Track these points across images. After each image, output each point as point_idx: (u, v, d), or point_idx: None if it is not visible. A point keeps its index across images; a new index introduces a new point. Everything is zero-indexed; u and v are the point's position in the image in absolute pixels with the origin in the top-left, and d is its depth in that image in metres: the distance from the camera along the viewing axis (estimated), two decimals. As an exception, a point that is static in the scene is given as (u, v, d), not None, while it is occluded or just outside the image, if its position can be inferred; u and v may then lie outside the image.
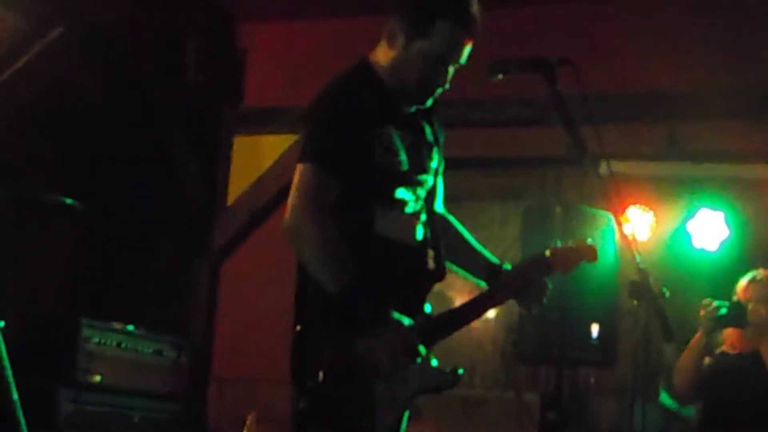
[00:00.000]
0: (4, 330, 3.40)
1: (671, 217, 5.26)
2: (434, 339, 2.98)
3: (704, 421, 4.43)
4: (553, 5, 5.46)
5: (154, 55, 5.74)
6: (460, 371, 2.96)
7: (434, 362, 2.93)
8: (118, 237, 5.36)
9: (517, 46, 3.33)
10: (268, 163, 5.78)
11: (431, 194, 3.15)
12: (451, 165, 4.31)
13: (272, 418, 4.86)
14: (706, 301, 4.20)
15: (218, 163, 6.18)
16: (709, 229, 5.13)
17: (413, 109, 3.08)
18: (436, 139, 3.17)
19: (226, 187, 6.17)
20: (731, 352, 4.27)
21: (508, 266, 3.19)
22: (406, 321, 2.89)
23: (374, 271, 2.89)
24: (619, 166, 3.91)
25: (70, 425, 4.37)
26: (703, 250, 5.09)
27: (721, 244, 5.09)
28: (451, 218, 3.30)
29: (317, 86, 3.11)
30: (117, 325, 4.72)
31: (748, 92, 5.08)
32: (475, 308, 3.14)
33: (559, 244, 3.20)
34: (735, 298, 4.23)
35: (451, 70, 3.00)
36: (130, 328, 4.78)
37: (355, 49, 3.18)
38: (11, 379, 3.42)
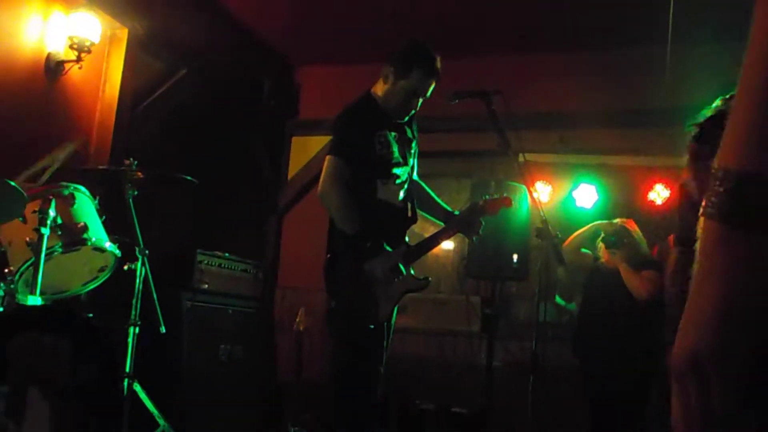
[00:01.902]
0: (148, 256, 3.44)
1: (563, 188, 5.33)
2: (413, 259, 3.14)
3: (582, 310, 4.41)
4: (491, 57, 5.49)
5: (244, 88, 5.76)
6: (429, 279, 3.17)
7: (412, 272, 3.06)
8: (221, 201, 5.35)
9: (467, 81, 3.37)
10: (312, 154, 5.78)
11: (412, 170, 3.26)
12: (425, 155, 4.43)
13: (314, 312, 4.88)
14: (601, 223, 4.30)
15: (282, 154, 6.20)
16: (586, 195, 5.21)
17: (398, 120, 3.19)
18: (414, 137, 3.32)
19: (287, 169, 6.19)
20: (605, 263, 4.22)
21: (457, 212, 3.31)
22: (393, 250, 3.01)
23: (376, 220, 3.04)
24: (529, 157, 3.97)
25: (188, 316, 4.33)
26: (582, 208, 5.17)
27: (594, 204, 5.18)
28: (423, 184, 3.40)
29: (339, 108, 3.22)
30: (218, 253, 4.68)
31: (614, 109, 5.12)
32: (436, 238, 3.30)
33: (487, 197, 3.29)
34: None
35: (421, 99, 3.16)
36: (227, 255, 4.74)
37: (369, 85, 3.28)
38: (153, 287, 3.48)
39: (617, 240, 4.12)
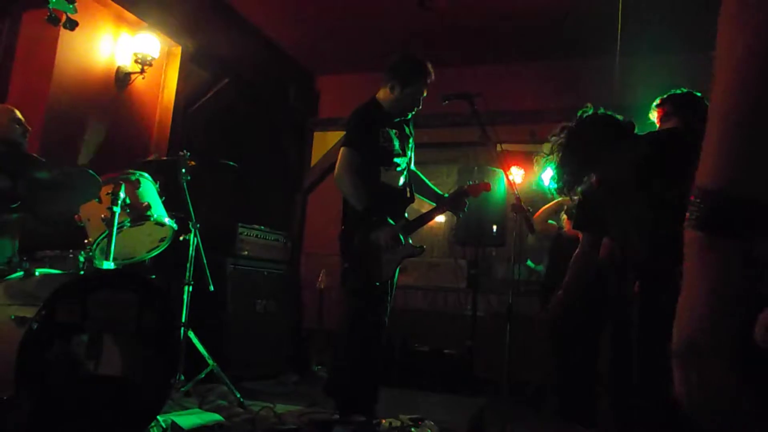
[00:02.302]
0: (199, 229, 3.45)
1: (533, 172, 5.28)
2: (411, 230, 3.14)
3: (548, 269, 4.33)
4: (474, 66, 5.43)
5: (273, 92, 5.71)
6: (424, 247, 3.16)
7: (410, 241, 3.05)
8: (256, 183, 5.35)
9: (454, 86, 3.35)
10: (330, 145, 5.74)
11: (410, 161, 3.23)
12: (420, 146, 4.38)
13: (332, 273, 4.81)
14: (564, 198, 4.23)
15: (306, 146, 6.15)
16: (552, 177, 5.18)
17: (398, 119, 3.17)
18: (411, 134, 3.29)
19: (310, 157, 6.15)
20: (567, 232, 4.18)
21: (446, 195, 3.31)
22: (395, 223, 2.98)
23: (380, 199, 3.02)
24: (505, 147, 3.96)
25: (232, 277, 4.31)
26: (548, 187, 5.13)
27: (558, 185, 5.14)
28: (419, 172, 3.36)
29: (351, 109, 3.20)
30: (255, 226, 4.66)
31: (573, 106, 5.06)
32: (429, 214, 3.30)
33: (470, 183, 3.28)
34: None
35: (421, 100, 3.15)
36: (262, 227, 4.72)
37: (374, 89, 3.25)
38: (203, 254, 3.47)
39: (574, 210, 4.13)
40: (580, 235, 4.02)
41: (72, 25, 1.75)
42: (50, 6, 1.73)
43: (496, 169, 4.77)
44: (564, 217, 4.24)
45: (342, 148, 3.06)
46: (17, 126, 2.90)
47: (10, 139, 2.87)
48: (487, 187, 3.33)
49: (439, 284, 5.58)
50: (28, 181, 2.40)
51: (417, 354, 4.82)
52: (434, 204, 3.30)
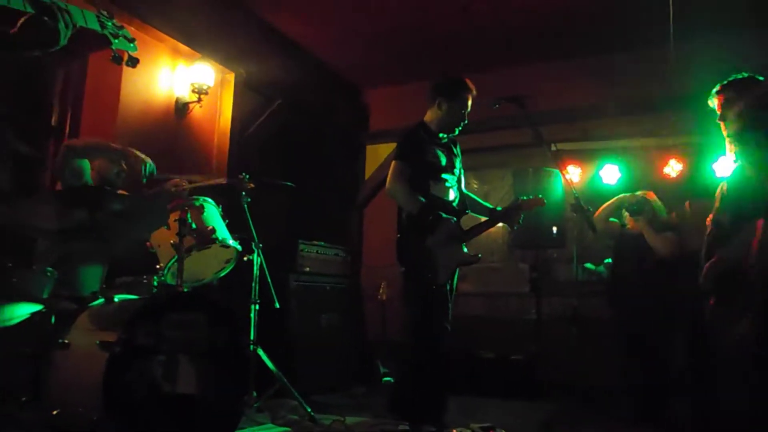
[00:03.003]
0: (261, 249, 3.54)
1: (590, 169, 5.18)
2: (465, 239, 3.13)
3: (614, 268, 4.27)
4: (523, 67, 5.37)
5: (324, 110, 5.79)
6: (480, 255, 3.23)
7: (465, 249, 3.06)
8: (313, 200, 5.42)
9: (505, 89, 3.35)
10: (382, 158, 5.76)
11: (459, 180, 3.30)
12: (473, 151, 4.38)
13: (393, 284, 4.80)
14: (624, 195, 4.15)
15: (358, 160, 6.21)
16: (611, 174, 5.05)
17: (445, 139, 3.25)
18: (458, 155, 3.34)
19: (363, 171, 6.19)
20: (630, 229, 4.11)
21: (499, 208, 3.37)
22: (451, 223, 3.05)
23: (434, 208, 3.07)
24: (560, 146, 3.91)
25: (295, 293, 4.37)
26: (608, 184, 5.01)
27: (617, 180, 5.02)
28: (470, 193, 3.41)
29: (403, 119, 3.24)
30: (315, 242, 4.72)
31: (628, 100, 4.96)
32: (483, 226, 3.31)
33: (524, 198, 3.32)
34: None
35: (466, 115, 3.25)
36: (321, 243, 4.77)
37: (421, 99, 3.29)
38: (267, 272, 3.56)
39: (639, 208, 4.04)
40: (647, 232, 3.94)
41: (133, 62, 1.86)
42: (113, 47, 1.84)
43: (552, 170, 4.71)
44: (626, 214, 4.15)
45: (393, 162, 3.15)
46: (115, 166, 3.08)
47: (106, 178, 3.06)
48: (540, 202, 3.31)
49: (500, 289, 5.52)
50: (104, 213, 2.54)
51: (481, 361, 4.78)
52: (484, 218, 3.33)
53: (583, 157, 5.24)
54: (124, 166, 3.12)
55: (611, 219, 4.26)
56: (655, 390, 3.76)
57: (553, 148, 3.41)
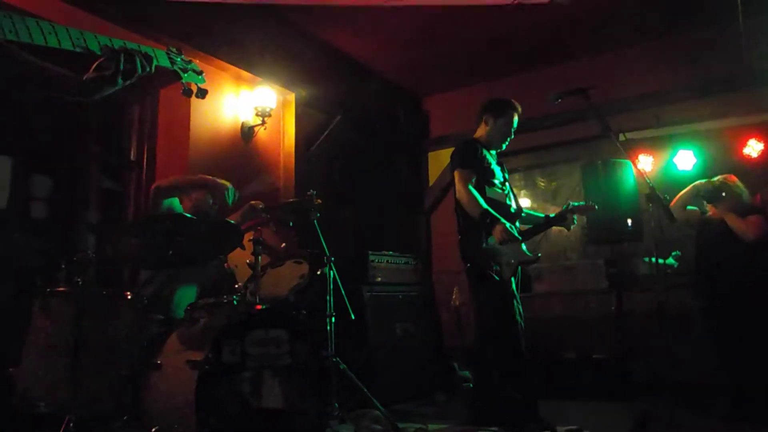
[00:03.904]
0: (333, 262, 3.60)
1: (663, 157, 4.98)
2: (525, 239, 3.30)
3: (698, 257, 4.04)
4: (585, 59, 5.24)
5: (384, 120, 5.86)
6: (539, 255, 3.39)
7: (524, 248, 3.21)
8: (379, 209, 5.45)
9: (568, 82, 3.31)
10: (445, 163, 5.67)
11: (511, 189, 3.52)
12: (541, 148, 4.27)
13: (465, 289, 4.82)
14: (699, 182, 3.99)
15: (422, 167, 6.23)
16: (686, 160, 4.84)
17: (494, 152, 3.47)
18: (506, 172, 3.57)
19: (427, 178, 6.19)
20: (712, 216, 3.96)
21: (552, 215, 3.55)
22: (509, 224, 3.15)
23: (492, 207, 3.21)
24: (629, 135, 3.81)
25: (369, 304, 4.40)
26: (684, 171, 4.80)
27: (694, 166, 4.80)
28: (525, 209, 3.62)
29: (463, 123, 3.31)
30: (384, 252, 4.74)
31: (699, 81, 4.75)
32: (540, 227, 3.58)
33: (574, 204, 3.52)
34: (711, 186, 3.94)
35: (512, 132, 3.47)
36: (391, 252, 4.79)
37: (478, 101, 3.32)
38: (341, 285, 3.61)
39: (717, 194, 3.87)
40: (730, 218, 3.74)
41: (203, 93, 1.95)
42: (183, 81, 1.94)
43: (623, 161, 4.56)
44: (705, 201, 3.96)
45: (456, 171, 3.30)
46: (209, 197, 3.26)
47: (201, 209, 3.23)
48: (591, 209, 3.54)
49: (578, 288, 5.37)
50: (183, 238, 2.68)
51: (563, 362, 4.66)
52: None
53: (654, 144, 5.04)
54: (214, 196, 3.29)
55: (689, 207, 4.08)
56: (754, 384, 3.54)
57: (622, 137, 3.33)
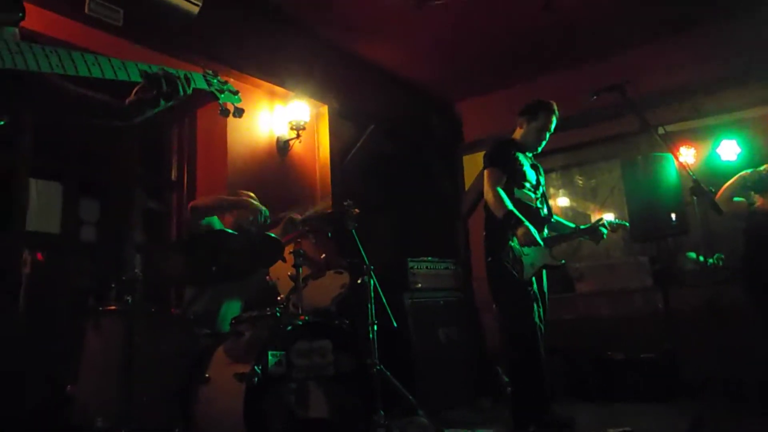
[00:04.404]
0: (373, 270, 3.63)
1: (705, 148, 4.85)
2: (552, 244, 3.37)
3: (747, 250, 3.93)
4: (618, 54, 5.15)
5: (418, 126, 5.87)
6: (564, 261, 3.48)
7: (550, 252, 3.33)
8: (416, 215, 5.45)
9: (606, 79, 3.29)
10: (480, 167, 5.65)
11: (543, 196, 3.50)
12: (579, 146, 4.20)
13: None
14: (745, 172, 3.87)
15: (457, 171, 6.20)
16: (729, 150, 4.71)
17: (530, 154, 3.52)
18: (542, 174, 3.60)
19: (463, 182, 6.16)
20: (761, 207, 3.84)
21: (582, 227, 3.56)
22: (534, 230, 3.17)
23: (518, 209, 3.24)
24: (669, 128, 3.74)
25: (411, 311, 4.39)
26: (728, 161, 4.67)
27: (738, 156, 4.66)
28: (556, 216, 3.65)
29: (496, 126, 3.32)
30: (424, 258, 4.72)
31: (738, 68, 4.61)
32: (569, 236, 3.59)
33: (608, 222, 3.54)
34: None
35: (548, 133, 3.49)
36: (430, 258, 4.77)
37: (512, 104, 3.31)
38: (381, 293, 3.62)
39: (765, 183, 3.77)
40: None
41: (240, 113, 2.00)
42: (220, 101, 1.99)
43: (663, 155, 4.45)
44: (752, 192, 3.84)
45: (485, 170, 3.36)
46: (251, 216, 3.31)
47: (241, 225, 3.30)
48: (624, 227, 3.66)
49: (622, 286, 5.25)
50: (226, 254, 2.74)
51: (611, 363, 4.57)
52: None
53: (696, 136, 4.91)
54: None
55: (736, 198, 3.95)
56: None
57: (661, 131, 3.26)
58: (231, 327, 2.85)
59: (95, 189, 3.96)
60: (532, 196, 3.38)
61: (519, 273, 3.16)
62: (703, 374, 4.12)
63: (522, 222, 3.12)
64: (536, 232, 3.16)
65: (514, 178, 3.33)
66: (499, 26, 4.72)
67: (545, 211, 3.44)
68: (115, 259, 3.78)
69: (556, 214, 3.71)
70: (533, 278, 3.24)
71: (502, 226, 3.21)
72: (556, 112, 3.48)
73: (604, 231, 3.44)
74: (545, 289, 3.36)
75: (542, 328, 3.16)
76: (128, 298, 2.52)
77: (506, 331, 3.32)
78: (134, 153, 4.09)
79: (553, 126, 3.48)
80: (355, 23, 4.58)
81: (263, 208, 3.22)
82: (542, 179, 3.55)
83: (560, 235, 3.49)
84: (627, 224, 3.62)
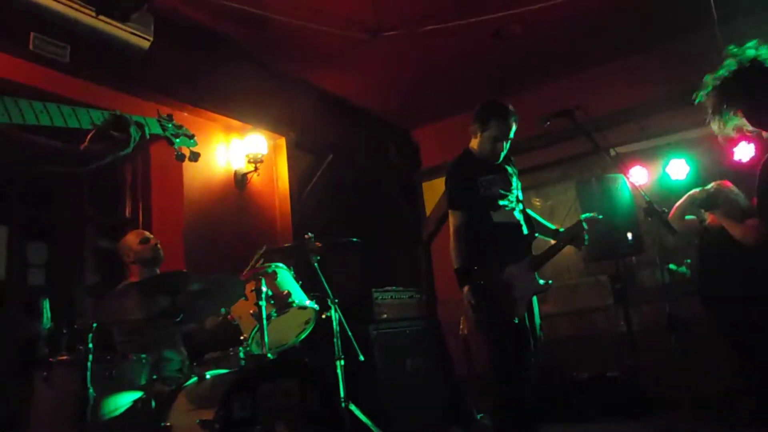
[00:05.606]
0: (337, 304, 3.60)
1: (655, 168, 5.02)
2: (538, 266, 3.12)
3: (701, 265, 4.03)
4: (566, 78, 5.33)
5: (376, 155, 5.91)
6: (551, 282, 3.14)
7: (537, 277, 3.10)
8: (378, 246, 5.42)
9: (556, 103, 3.34)
10: (440, 192, 5.72)
11: (517, 199, 3.23)
12: (534, 169, 4.24)
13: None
14: (694, 191, 3.95)
15: (417, 198, 6.24)
16: (679, 169, 4.88)
17: (495, 163, 3.19)
18: (513, 173, 3.29)
19: (423, 208, 6.20)
20: (711, 224, 3.93)
21: (561, 229, 3.32)
22: (519, 263, 3.02)
23: (499, 240, 3.07)
24: (619, 149, 3.82)
25: (377, 342, 4.36)
26: (678, 180, 4.83)
27: (687, 174, 4.83)
28: (531, 212, 3.36)
29: (453, 152, 3.27)
30: (388, 288, 4.71)
31: (681, 90, 4.80)
32: (553, 249, 3.22)
33: (585, 216, 3.28)
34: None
35: (507, 142, 3.18)
36: (394, 287, 4.76)
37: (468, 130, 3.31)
38: (347, 327, 3.58)
39: (712, 201, 3.86)
40: (727, 224, 3.76)
41: (195, 157, 1.96)
42: (176, 147, 1.96)
43: (616, 175, 4.58)
44: (702, 210, 3.98)
45: (449, 212, 3.16)
46: (145, 246, 3.26)
47: (144, 259, 3.23)
48: (596, 220, 3.30)
49: (583, 306, 5.35)
50: (185, 295, 2.67)
51: (576, 383, 4.62)
52: (551, 239, 3.29)
53: (646, 156, 5.07)
54: (154, 242, 3.32)
55: (687, 217, 4.09)
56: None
57: (613, 152, 3.34)
58: (192, 370, 2.76)
59: (44, 231, 3.82)
60: (511, 206, 3.15)
61: (514, 311, 2.96)
62: (668, 389, 4.20)
63: (470, 279, 2.97)
64: (527, 265, 3.04)
65: (486, 204, 3.08)
66: (452, 54, 4.82)
67: (526, 228, 3.20)
68: (64, 303, 3.63)
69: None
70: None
71: (485, 257, 3.01)
72: (514, 115, 3.16)
73: (587, 237, 3.19)
74: (537, 320, 3.11)
75: (533, 362, 2.99)
76: (81, 347, 2.42)
77: (496, 374, 3.03)
78: (83, 191, 3.97)
79: (511, 133, 3.16)
80: (309, 55, 4.60)
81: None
82: (514, 179, 3.26)
83: (543, 253, 3.19)
84: (600, 216, 3.32)
